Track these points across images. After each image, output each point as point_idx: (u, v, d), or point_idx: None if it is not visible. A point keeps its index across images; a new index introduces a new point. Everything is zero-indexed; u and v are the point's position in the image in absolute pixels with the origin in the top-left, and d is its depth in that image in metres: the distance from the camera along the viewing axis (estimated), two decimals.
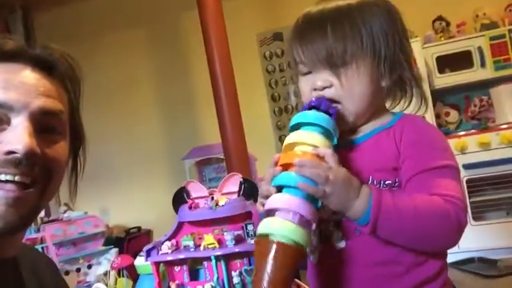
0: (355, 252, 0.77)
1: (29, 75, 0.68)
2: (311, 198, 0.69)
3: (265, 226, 0.68)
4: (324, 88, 0.79)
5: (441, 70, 3.18)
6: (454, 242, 0.73)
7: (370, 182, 0.77)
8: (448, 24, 3.30)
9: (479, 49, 3.08)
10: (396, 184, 0.77)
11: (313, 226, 0.72)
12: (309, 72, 0.81)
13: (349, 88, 0.78)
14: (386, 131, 0.81)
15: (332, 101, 0.78)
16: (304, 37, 0.80)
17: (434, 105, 3.18)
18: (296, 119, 0.75)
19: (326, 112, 0.74)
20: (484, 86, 3.20)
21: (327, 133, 0.74)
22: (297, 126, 0.75)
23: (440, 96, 3.31)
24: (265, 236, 0.67)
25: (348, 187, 0.70)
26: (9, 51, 0.68)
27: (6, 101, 0.64)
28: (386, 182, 0.78)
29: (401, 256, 0.75)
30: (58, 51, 0.73)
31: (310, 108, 0.76)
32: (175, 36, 4.01)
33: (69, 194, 0.79)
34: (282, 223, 0.67)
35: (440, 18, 3.29)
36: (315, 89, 0.79)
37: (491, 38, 3.08)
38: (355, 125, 0.82)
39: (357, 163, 0.79)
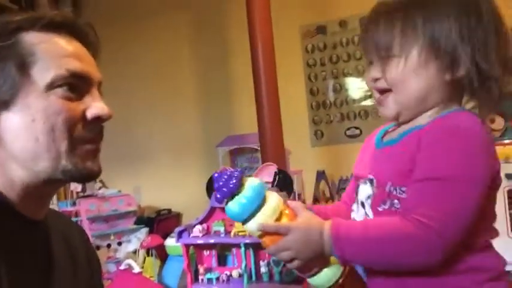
0: None
1: (82, 48, 0.73)
2: None
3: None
4: (376, 80, 0.80)
5: None
6: (428, 261, 0.70)
7: (388, 188, 0.77)
8: None
9: None
10: None
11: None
12: (371, 63, 0.82)
13: (397, 80, 0.77)
14: (417, 132, 0.77)
15: (384, 90, 0.80)
16: (364, 28, 0.82)
17: None
18: (238, 215, 0.83)
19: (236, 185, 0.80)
20: None
21: (264, 200, 0.80)
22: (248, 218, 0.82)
23: None
24: None
25: (307, 244, 0.76)
26: (58, 22, 0.71)
27: (89, 73, 0.71)
28: (403, 189, 0.75)
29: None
30: (86, 23, 0.77)
31: (228, 195, 0.83)
32: (220, 23, 4.03)
33: None
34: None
35: None
36: (371, 80, 0.82)
37: None
38: (402, 116, 0.81)
39: (381, 167, 0.81)
